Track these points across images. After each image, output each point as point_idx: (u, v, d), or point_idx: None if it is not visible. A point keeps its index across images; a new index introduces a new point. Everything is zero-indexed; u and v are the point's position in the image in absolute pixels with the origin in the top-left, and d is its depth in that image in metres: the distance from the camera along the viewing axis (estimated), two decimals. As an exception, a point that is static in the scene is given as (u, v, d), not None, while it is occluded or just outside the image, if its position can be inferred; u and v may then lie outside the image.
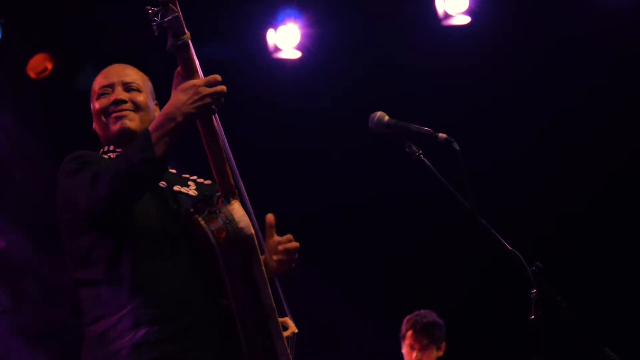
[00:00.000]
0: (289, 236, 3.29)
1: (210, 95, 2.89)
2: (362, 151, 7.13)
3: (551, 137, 7.31)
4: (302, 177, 7.48)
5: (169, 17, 2.84)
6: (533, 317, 3.10)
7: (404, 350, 5.76)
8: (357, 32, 7.12)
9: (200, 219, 2.97)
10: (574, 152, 7.27)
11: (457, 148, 3.22)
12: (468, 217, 3.20)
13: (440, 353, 5.78)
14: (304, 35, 6.98)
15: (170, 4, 2.84)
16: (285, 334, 3.18)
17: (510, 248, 3.19)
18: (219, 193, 3.03)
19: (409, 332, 5.73)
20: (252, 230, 2.99)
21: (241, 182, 3.06)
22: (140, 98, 3.22)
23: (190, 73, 2.92)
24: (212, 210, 2.98)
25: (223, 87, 2.92)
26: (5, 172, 7.01)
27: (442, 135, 3.26)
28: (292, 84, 7.26)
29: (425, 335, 5.70)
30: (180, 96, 2.89)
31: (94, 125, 3.28)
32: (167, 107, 2.91)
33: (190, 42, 2.89)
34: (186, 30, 2.87)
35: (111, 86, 3.22)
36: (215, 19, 6.88)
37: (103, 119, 3.20)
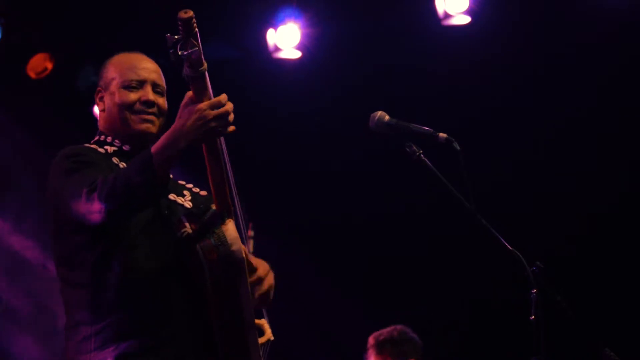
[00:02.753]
0: (260, 274, 3.12)
1: (215, 119, 2.83)
2: (362, 151, 7.13)
3: (551, 136, 7.31)
4: (302, 176, 7.47)
5: (190, 51, 2.79)
6: (533, 317, 3.10)
7: None
8: (357, 32, 7.12)
9: (191, 235, 2.95)
10: (574, 152, 7.26)
11: (458, 148, 3.22)
12: (468, 217, 3.20)
13: None
14: (304, 35, 6.97)
15: (192, 39, 2.79)
16: (261, 340, 3.17)
17: (510, 248, 3.19)
18: (214, 209, 3.01)
19: (370, 352, 5.79)
20: (244, 255, 2.97)
21: (238, 202, 3.04)
22: (164, 104, 3.19)
23: (203, 100, 2.88)
24: (206, 228, 2.95)
25: (228, 108, 2.85)
26: (5, 171, 7.02)
27: (442, 135, 3.26)
28: (292, 84, 7.25)
29: (386, 352, 5.75)
30: (185, 121, 2.84)
31: (101, 109, 3.21)
32: (172, 130, 2.86)
33: (206, 72, 2.85)
34: (204, 62, 2.83)
35: (142, 83, 3.16)
36: (215, 19, 6.88)
37: (126, 113, 3.14)
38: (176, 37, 2.80)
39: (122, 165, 3.09)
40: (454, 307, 7.38)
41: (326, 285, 7.40)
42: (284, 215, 7.26)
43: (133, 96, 3.15)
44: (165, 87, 3.22)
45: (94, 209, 2.85)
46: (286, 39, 6.96)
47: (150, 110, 3.14)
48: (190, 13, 2.78)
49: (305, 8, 6.95)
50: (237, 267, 2.96)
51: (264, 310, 3.20)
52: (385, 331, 5.81)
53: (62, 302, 3.09)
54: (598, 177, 7.20)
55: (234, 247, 2.94)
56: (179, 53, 2.79)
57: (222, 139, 2.96)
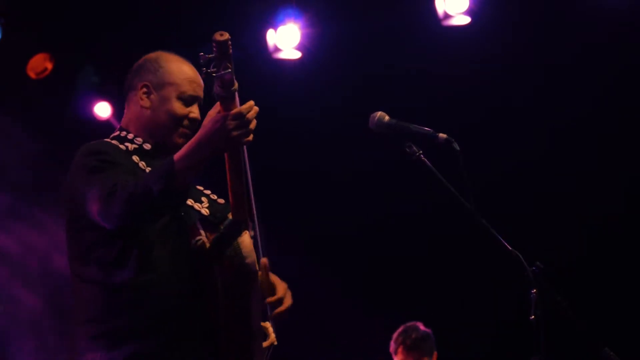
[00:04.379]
0: (280, 294, 3.15)
1: (236, 128, 2.82)
2: (362, 151, 7.12)
3: (551, 136, 7.31)
4: (301, 177, 7.47)
5: (223, 72, 2.79)
6: (533, 317, 3.10)
7: None
8: (357, 32, 7.11)
9: (207, 245, 2.96)
10: (574, 152, 7.27)
11: (457, 148, 3.22)
12: (468, 217, 3.20)
13: None
14: (304, 35, 6.97)
15: (226, 61, 2.79)
16: (265, 344, 3.18)
17: (510, 248, 3.19)
18: (231, 218, 3.01)
19: (400, 349, 5.81)
20: (257, 267, 2.99)
21: (256, 217, 3.04)
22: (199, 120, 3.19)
23: None
24: (222, 238, 2.96)
25: (250, 116, 2.84)
26: (4, 172, 7.02)
27: (442, 135, 3.26)
28: (292, 84, 7.25)
29: (416, 350, 5.78)
30: (207, 130, 2.84)
31: (145, 106, 3.17)
32: (195, 139, 2.86)
33: (237, 92, 2.85)
34: (235, 82, 2.83)
35: (194, 99, 3.18)
36: (215, 19, 6.88)
37: (173, 124, 3.14)
38: (209, 56, 2.81)
39: (142, 164, 3.08)
40: (454, 307, 7.38)
41: (326, 285, 7.40)
42: (284, 216, 7.25)
43: (185, 110, 3.15)
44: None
45: (111, 213, 2.85)
46: (286, 39, 6.95)
47: (193, 127, 3.15)
48: (227, 35, 2.79)
49: (305, 8, 6.95)
50: (250, 278, 2.98)
51: (269, 313, 3.20)
52: (409, 329, 5.82)
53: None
54: (598, 177, 7.20)
55: (248, 260, 2.95)
56: (212, 73, 2.80)
57: (245, 150, 2.95)
